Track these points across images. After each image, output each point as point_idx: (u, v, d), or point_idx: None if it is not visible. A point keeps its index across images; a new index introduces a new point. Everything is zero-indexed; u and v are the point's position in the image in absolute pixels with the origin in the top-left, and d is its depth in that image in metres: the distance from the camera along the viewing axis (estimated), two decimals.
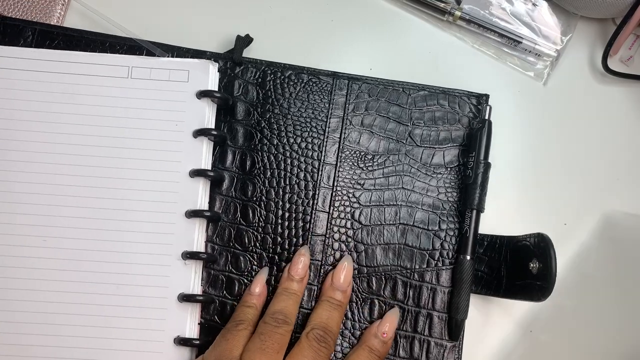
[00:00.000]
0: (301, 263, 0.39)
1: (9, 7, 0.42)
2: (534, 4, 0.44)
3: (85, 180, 0.39)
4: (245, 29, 0.43)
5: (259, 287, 0.39)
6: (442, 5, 0.43)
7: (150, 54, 0.41)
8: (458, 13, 0.43)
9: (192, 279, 0.38)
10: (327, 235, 0.40)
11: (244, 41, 0.42)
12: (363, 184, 0.40)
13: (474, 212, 0.38)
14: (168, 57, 0.41)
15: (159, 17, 0.44)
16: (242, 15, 0.44)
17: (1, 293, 0.37)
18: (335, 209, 0.40)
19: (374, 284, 0.39)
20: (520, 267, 0.37)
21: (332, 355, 0.38)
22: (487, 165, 0.39)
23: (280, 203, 0.40)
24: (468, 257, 0.38)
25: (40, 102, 0.39)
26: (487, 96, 0.42)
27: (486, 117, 0.40)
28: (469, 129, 0.41)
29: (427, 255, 0.39)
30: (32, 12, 0.43)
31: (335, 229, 0.40)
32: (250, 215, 0.40)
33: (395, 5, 0.45)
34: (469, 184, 0.39)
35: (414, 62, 0.44)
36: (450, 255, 0.39)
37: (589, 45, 0.45)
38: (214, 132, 0.39)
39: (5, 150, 0.39)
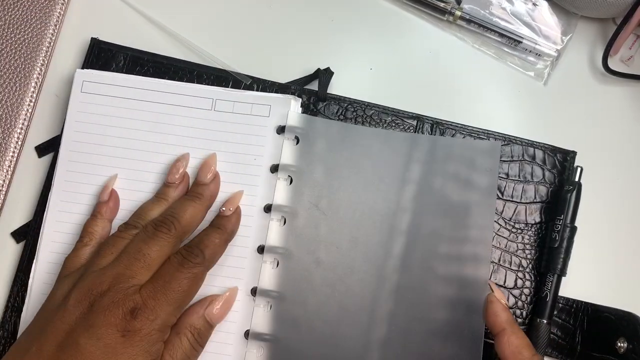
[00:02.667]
0: (177, 168, 0.38)
1: (9, 6, 0.42)
2: (534, 4, 0.44)
3: None
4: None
5: (106, 193, 0.38)
6: (442, 5, 0.43)
7: (235, 85, 0.41)
8: (458, 13, 0.43)
9: (260, 317, 0.38)
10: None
11: (328, 76, 0.42)
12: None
13: (556, 276, 0.38)
14: (254, 89, 0.41)
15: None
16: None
17: None
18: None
19: None
20: (601, 340, 0.36)
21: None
22: (574, 230, 0.38)
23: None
24: (545, 321, 0.37)
25: (126, 129, 0.40)
26: (574, 153, 0.41)
27: (576, 180, 0.39)
28: (554, 186, 0.40)
29: None
30: (31, 12, 0.43)
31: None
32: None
33: (395, 5, 0.45)
34: (554, 247, 0.38)
35: (414, 61, 0.44)
36: (524, 315, 0.38)
37: (589, 45, 0.45)
38: (292, 169, 0.39)
39: (95, 165, 0.40)
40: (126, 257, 0.33)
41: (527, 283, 0.39)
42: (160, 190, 0.38)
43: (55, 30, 0.43)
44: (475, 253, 0.38)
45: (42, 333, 0.31)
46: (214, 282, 0.37)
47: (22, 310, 0.38)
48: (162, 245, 0.34)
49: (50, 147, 0.42)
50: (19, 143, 0.41)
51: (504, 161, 0.41)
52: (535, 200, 0.40)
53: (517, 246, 0.39)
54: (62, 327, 0.31)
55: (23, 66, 0.42)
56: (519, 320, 0.38)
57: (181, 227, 0.35)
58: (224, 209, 0.37)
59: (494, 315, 0.35)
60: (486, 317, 0.36)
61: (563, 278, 0.38)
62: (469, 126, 0.41)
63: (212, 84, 0.41)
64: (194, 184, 0.38)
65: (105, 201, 0.38)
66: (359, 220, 0.39)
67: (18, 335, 0.38)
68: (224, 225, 0.36)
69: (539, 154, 0.41)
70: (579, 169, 0.40)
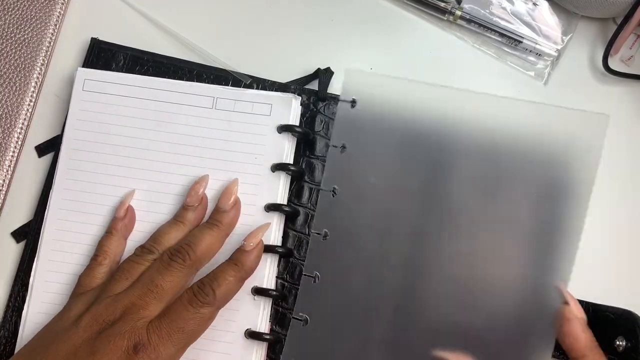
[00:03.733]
0: (195, 190, 0.37)
1: (9, 6, 0.42)
2: (534, 4, 0.44)
3: (163, 207, 0.39)
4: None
5: (122, 209, 0.38)
6: (442, 4, 0.43)
7: (235, 84, 0.41)
8: (458, 12, 0.43)
9: (260, 316, 0.38)
10: None
11: (328, 76, 0.42)
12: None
13: None
14: (254, 88, 0.41)
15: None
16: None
17: None
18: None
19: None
20: (601, 339, 0.35)
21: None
22: None
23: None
24: None
25: (127, 127, 0.40)
26: None
27: None
28: None
29: None
30: (31, 12, 0.43)
31: None
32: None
33: (395, 4, 0.45)
34: None
35: (415, 61, 0.44)
36: None
37: (589, 44, 0.45)
38: (292, 168, 0.39)
39: (96, 163, 0.40)
40: (140, 286, 0.33)
41: None
42: (179, 212, 0.38)
43: (55, 30, 0.43)
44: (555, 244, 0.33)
45: (48, 350, 0.32)
46: None
47: (22, 310, 0.38)
48: (176, 276, 0.34)
49: (50, 147, 0.42)
50: (19, 143, 0.41)
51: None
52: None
53: None
54: (67, 348, 0.31)
55: (23, 66, 0.42)
56: None
57: (196, 257, 0.35)
58: (244, 243, 0.35)
59: (573, 338, 0.31)
60: (561, 337, 0.31)
61: None
62: None
63: (212, 84, 0.41)
64: (214, 211, 0.37)
65: (121, 217, 0.38)
66: (362, 220, 0.39)
67: (19, 336, 0.38)
68: (243, 262, 0.35)
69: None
70: None
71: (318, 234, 0.36)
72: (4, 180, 0.41)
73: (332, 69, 0.42)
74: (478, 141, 0.35)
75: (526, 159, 0.34)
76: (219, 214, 0.37)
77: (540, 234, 0.34)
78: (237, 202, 0.37)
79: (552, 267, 0.33)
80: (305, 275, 0.36)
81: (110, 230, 0.38)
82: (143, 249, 0.36)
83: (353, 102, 0.36)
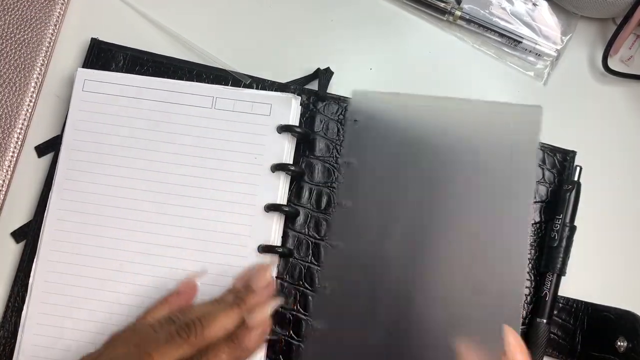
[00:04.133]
0: (243, 276, 0.35)
1: (9, 6, 0.42)
2: (534, 4, 0.44)
3: (162, 208, 0.39)
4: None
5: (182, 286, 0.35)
6: (442, 5, 0.43)
7: (234, 84, 0.41)
8: (458, 13, 0.43)
9: None
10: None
11: (327, 76, 0.42)
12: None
13: (555, 276, 0.37)
14: (254, 88, 0.41)
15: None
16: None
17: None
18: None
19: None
20: (601, 339, 0.36)
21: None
22: (573, 229, 0.38)
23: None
24: (545, 321, 0.37)
25: (127, 128, 0.40)
26: (574, 153, 0.41)
27: (576, 179, 0.39)
28: (553, 186, 0.40)
29: None
30: (31, 12, 0.43)
31: None
32: (322, 254, 0.39)
33: (395, 5, 0.45)
34: (553, 246, 0.38)
35: (414, 62, 0.44)
36: (524, 315, 0.38)
37: (589, 45, 0.45)
38: (292, 168, 0.39)
39: (96, 163, 0.40)
40: (136, 352, 0.30)
41: (527, 283, 0.39)
42: (222, 294, 0.34)
43: (55, 30, 0.43)
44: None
45: None
46: (216, 281, 0.38)
47: (22, 310, 0.38)
48: (171, 349, 0.30)
49: (50, 147, 0.42)
50: (19, 143, 0.41)
51: None
52: (534, 200, 0.40)
53: None
54: None
55: (23, 66, 0.42)
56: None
57: (203, 338, 0.30)
58: (249, 320, 0.32)
59: None
60: None
61: (563, 278, 0.38)
62: None
63: (212, 84, 0.41)
64: (244, 285, 0.34)
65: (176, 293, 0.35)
66: (362, 220, 0.39)
67: (18, 336, 0.38)
68: (242, 341, 0.31)
69: (539, 153, 0.41)
70: (578, 169, 0.40)
71: (330, 244, 0.38)
72: (3, 181, 0.40)
73: (332, 69, 0.42)
74: (466, 146, 0.37)
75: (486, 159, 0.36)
76: (247, 292, 0.33)
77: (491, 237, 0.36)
78: (269, 285, 0.34)
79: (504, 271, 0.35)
80: (319, 286, 0.38)
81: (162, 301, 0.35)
82: (167, 318, 0.32)
83: (356, 121, 0.39)
